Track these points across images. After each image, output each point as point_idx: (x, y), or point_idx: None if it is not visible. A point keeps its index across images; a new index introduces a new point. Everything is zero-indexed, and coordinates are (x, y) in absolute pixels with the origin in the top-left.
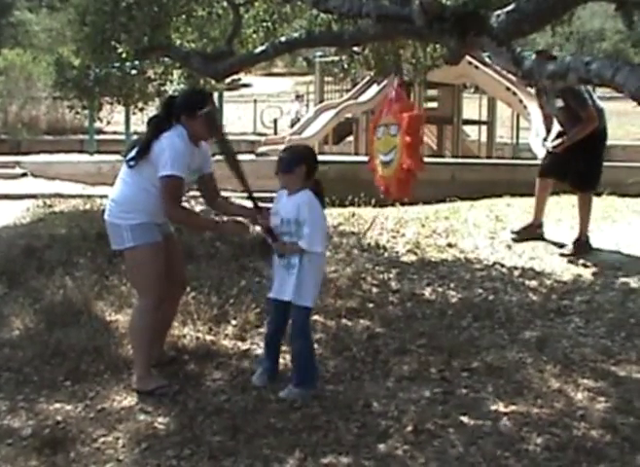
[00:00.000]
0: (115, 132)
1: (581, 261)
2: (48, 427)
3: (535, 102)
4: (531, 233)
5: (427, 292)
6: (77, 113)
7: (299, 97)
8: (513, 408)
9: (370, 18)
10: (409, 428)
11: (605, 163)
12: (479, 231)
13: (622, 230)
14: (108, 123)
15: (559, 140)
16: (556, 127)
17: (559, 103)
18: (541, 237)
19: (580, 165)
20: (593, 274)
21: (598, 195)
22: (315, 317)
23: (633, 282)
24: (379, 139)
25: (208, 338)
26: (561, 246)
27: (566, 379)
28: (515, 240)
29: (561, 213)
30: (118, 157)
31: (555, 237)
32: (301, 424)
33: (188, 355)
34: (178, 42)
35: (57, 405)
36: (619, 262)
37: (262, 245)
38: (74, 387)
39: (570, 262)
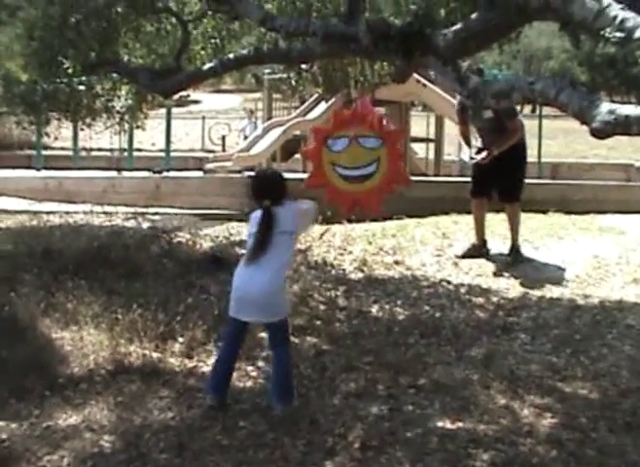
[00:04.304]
0: (62, 148)
1: (527, 278)
2: None
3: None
4: (475, 253)
5: (374, 309)
6: (24, 128)
7: (252, 113)
8: (459, 424)
9: (316, 37)
10: (356, 445)
11: (552, 181)
12: (425, 248)
13: (568, 247)
14: (56, 138)
15: (485, 153)
16: (477, 143)
17: (488, 114)
18: (486, 256)
19: (505, 179)
20: (539, 291)
21: (544, 212)
22: (263, 334)
23: (579, 299)
24: (338, 152)
25: (155, 355)
26: (507, 263)
27: (512, 396)
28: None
29: (507, 230)
30: (65, 173)
31: (503, 254)
32: (247, 441)
33: (134, 372)
34: (126, 58)
35: (2, 423)
36: (564, 279)
37: (210, 262)
38: (19, 405)
39: (516, 278)
